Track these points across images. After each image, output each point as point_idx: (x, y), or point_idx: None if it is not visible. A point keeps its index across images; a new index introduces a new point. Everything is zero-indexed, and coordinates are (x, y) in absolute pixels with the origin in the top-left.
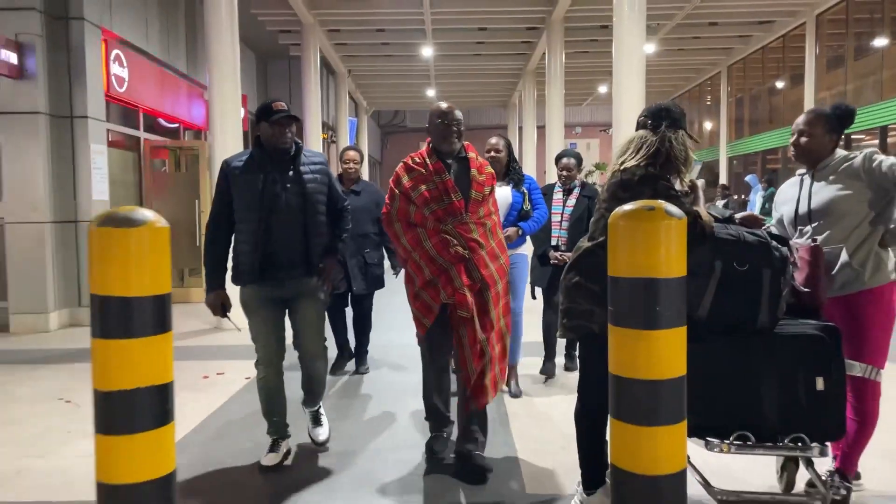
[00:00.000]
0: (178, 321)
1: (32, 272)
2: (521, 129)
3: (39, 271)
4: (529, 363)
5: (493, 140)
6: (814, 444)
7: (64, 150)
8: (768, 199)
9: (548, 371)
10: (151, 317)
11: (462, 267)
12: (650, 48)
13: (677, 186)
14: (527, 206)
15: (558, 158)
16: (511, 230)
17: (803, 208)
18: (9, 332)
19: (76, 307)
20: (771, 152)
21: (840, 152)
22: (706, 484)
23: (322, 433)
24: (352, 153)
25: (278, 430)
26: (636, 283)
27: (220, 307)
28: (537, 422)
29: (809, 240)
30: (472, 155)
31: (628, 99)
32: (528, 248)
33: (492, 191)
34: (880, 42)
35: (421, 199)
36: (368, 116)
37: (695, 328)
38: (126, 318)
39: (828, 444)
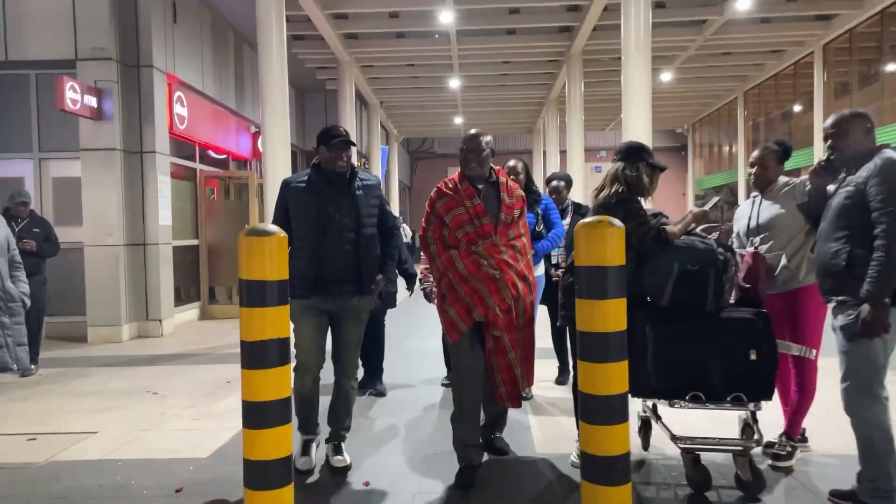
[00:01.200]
0: (232, 334)
1: (107, 289)
2: (545, 153)
3: (113, 289)
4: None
5: (512, 163)
6: (749, 402)
7: (134, 181)
8: None
9: (562, 382)
10: (278, 293)
11: (493, 287)
12: (667, 76)
13: (647, 206)
14: (539, 226)
15: (548, 181)
16: None
17: (753, 223)
18: (87, 342)
19: (144, 321)
20: (786, 174)
21: (782, 179)
22: (672, 436)
23: (340, 460)
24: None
25: (310, 438)
26: (592, 269)
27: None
28: (549, 403)
29: (753, 248)
30: (502, 179)
31: (636, 127)
32: (541, 269)
33: (522, 213)
34: (881, 70)
35: (454, 222)
36: (399, 144)
37: (659, 312)
38: (262, 295)
39: (761, 402)
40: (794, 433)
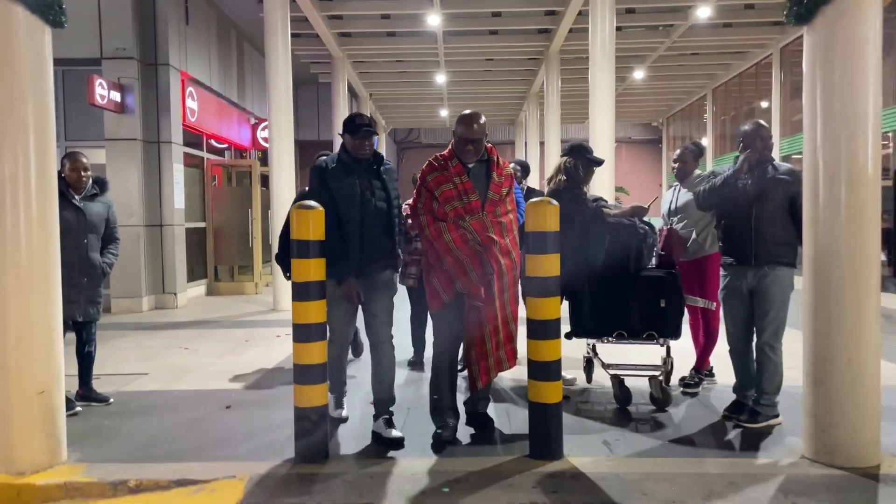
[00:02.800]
0: (240, 306)
1: (129, 265)
2: (526, 144)
3: (135, 264)
4: None
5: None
6: (660, 338)
7: (152, 168)
8: None
9: None
10: (318, 248)
11: (476, 261)
12: (640, 74)
13: (590, 193)
14: None
15: None
16: None
17: (672, 206)
18: (110, 312)
19: (161, 293)
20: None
21: (697, 172)
22: (604, 365)
23: (394, 433)
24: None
25: (340, 396)
26: (536, 234)
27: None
28: None
29: (669, 226)
30: (493, 157)
31: (601, 122)
32: None
33: (510, 191)
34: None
35: (443, 196)
36: (386, 134)
37: (595, 271)
38: (307, 249)
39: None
40: (701, 367)
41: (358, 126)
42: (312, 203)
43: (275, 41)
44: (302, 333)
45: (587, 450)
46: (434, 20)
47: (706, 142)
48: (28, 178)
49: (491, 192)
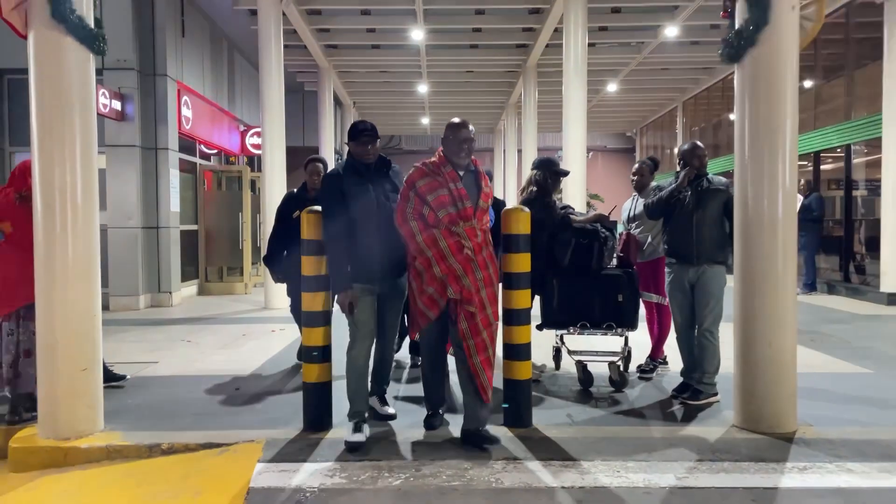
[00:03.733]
0: (232, 305)
1: (126, 265)
2: (504, 151)
3: (132, 264)
4: None
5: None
6: (619, 329)
7: (150, 173)
8: None
9: None
10: (317, 247)
11: (469, 267)
12: (613, 87)
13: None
14: None
15: None
16: None
17: (631, 214)
18: (108, 309)
19: (157, 292)
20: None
21: (653, 183)
22: (569, 351)
23: (387, 409)
24: (320, 166)
25: (361, 410)
26: (511, 236)
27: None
28: None
29: (627, 231)
30: (481, 168)
31: (574, 133)
32: None
33: (488, 205)
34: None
35: (436, 202)
36: None
37: (562, 270)
38: (319, 248)
39: (628, 331)
40: (656, 356)
41: (359, 132)
42: (318, 208)
43: (268, 54)
44: (310, 320)
45: (553, 421)
46: (417, 34)
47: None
48: (75, 185)
49: (481, 202)
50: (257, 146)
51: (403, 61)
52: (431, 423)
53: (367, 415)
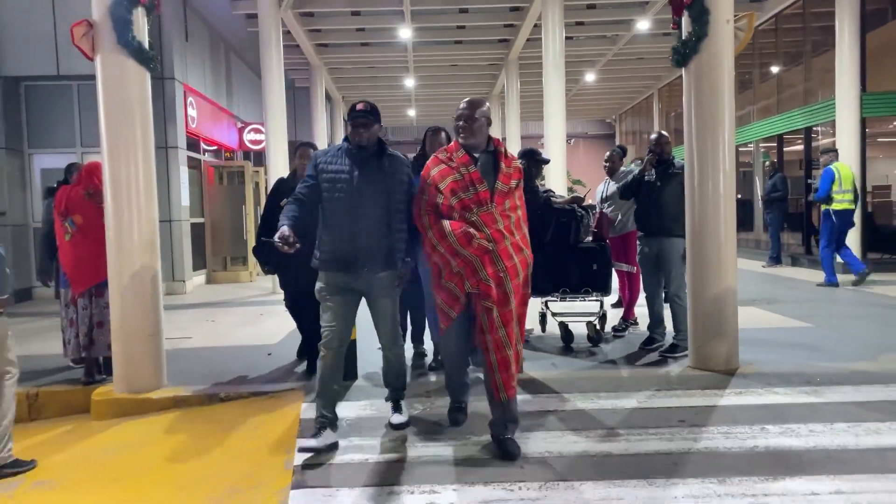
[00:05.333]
0: (242, 291)
1: None
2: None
3: None
4: None
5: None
6: (594, 293)
7: (161, 170)
8: None
9: None
10: None
11: (487, 258)
12: (591, 77)
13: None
14: None
15: None
16: None
17: (603, 195)
18: None
19: (171, 281)
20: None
21: (623, 168)
22: (553, 314)
23: (396, 418)
24: (310, 151)
25: (324, 418)
26: None
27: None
28: None
29: (601, 210)
30: (501, 149)
31: (555, 122)
32: None
33: (518, 185)
34: (754, 77)
35: (448, 189)
36: None
37: (544, 245)
38: None
39: (604, 296)
40: (628, 317)
41: (353, 114)
42: None
43: (269, 55)
44: None
45: (539, 368)
46: (405, 32)
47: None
48: (138, 180)
49: (500, 183)
50: (255, 142)
51: (391, 57)
52: (455, 417)
53: (332, 419)
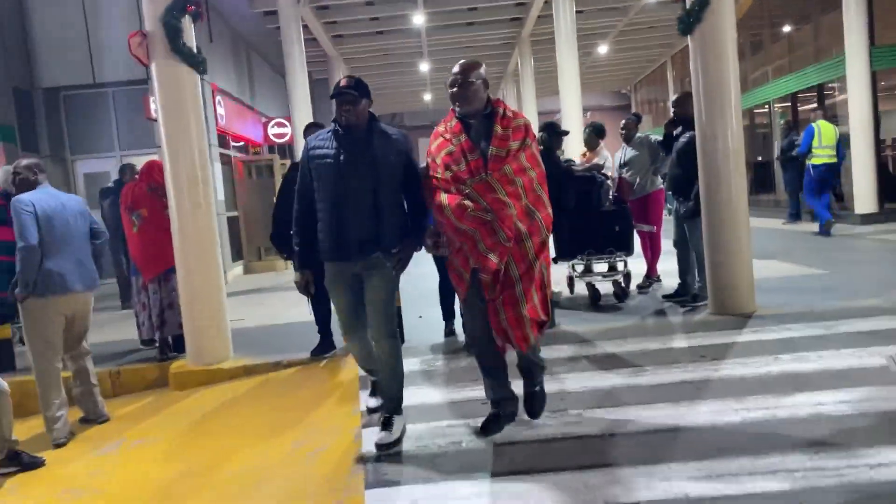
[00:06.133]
0: (280, 278)
1: None
2: None
3: None
4: None
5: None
6: (618, 253)
7: None
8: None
9: None
10: None
11: (486, 230)
12: (604, 49)
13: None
14: None
15: None
16: None
17: (622, 161)
18: None
19: None
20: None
21: (639, 135)
22: (580, 275)
23: (381, 437)
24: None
25: (387, 401)
26: None
27: (305, 287)
28: None
29: (620, 175)
30: (499, 110)
31: (570, 96)
32: None
33: (524, 145)
34: (770, 35)
35: (444, 162)
36: None
37: (569, 212)
38: None
39: (626, 255)
40: (651, 275)
41: (339, 89)
42: None
43: (291, 51)
44: None
45: (569, 323)
46: (419, 19)
47: (669, 105)
48: (195, 174)
49: (493, 148)
50: (279, 135)
51: (406, 43)
52: (488, 427)
53: (397, 406)
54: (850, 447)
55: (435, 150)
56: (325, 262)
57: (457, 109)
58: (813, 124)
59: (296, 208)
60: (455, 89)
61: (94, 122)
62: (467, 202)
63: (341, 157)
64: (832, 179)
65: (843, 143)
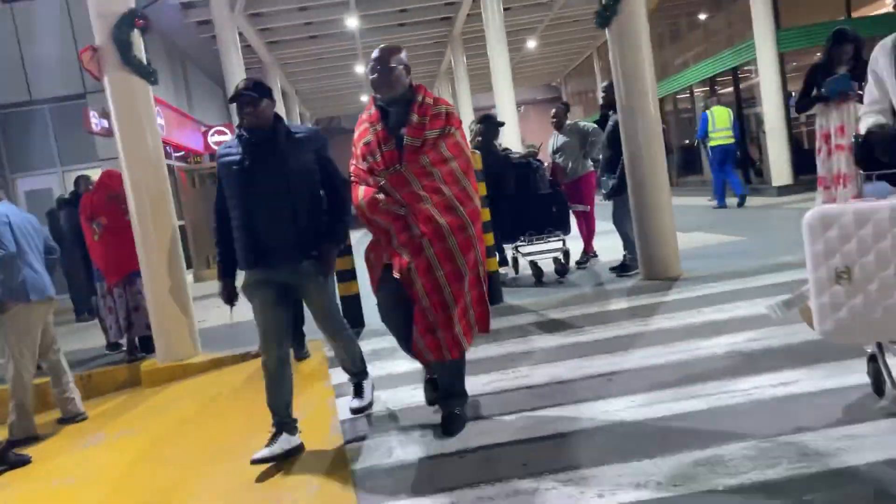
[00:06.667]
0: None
1: None
2: None
3: None
4: None
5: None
6: (556, 232)
7: None
8: None
9: None
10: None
11: (398, 224)
12: (532, 43)
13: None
14: None
15: None
16: None
17: (554, 147)
18: None
19: None
20: None
21: (570, 123)
22: (523, 254)
23: (355, 403)
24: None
25: (279, 422)
26: None
27: (228, 298)
28: None
29: (553, 160)
30: (419, 97)
31: (503, 89)
32: None
33: (444, 133)
34: (687, 23)
35: (361, 152)
36: (311, 123)
37: (508, 196)
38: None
39: (564, 234)
40: (587, 251)
41: (238, 93)
42: None
43: (229, 58)
44: (343, 277)
45: (515, 298)
46: (352, 22)
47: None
48: (149, 182)
49: (408, 138)
50: (220, 143)
51: (340, 47)
52: (430, 395)
53: (288, 426)
54: (757, 372)
55: (356, 138)
56: (244, 271)
57: (377, 96)
58: (707, 111)
59: (213, 219)
60: (375, 76)
61: (32, 139)
62: (380, 195)
63: (246, 163)
64: (730, 158)
65: (743, 124)
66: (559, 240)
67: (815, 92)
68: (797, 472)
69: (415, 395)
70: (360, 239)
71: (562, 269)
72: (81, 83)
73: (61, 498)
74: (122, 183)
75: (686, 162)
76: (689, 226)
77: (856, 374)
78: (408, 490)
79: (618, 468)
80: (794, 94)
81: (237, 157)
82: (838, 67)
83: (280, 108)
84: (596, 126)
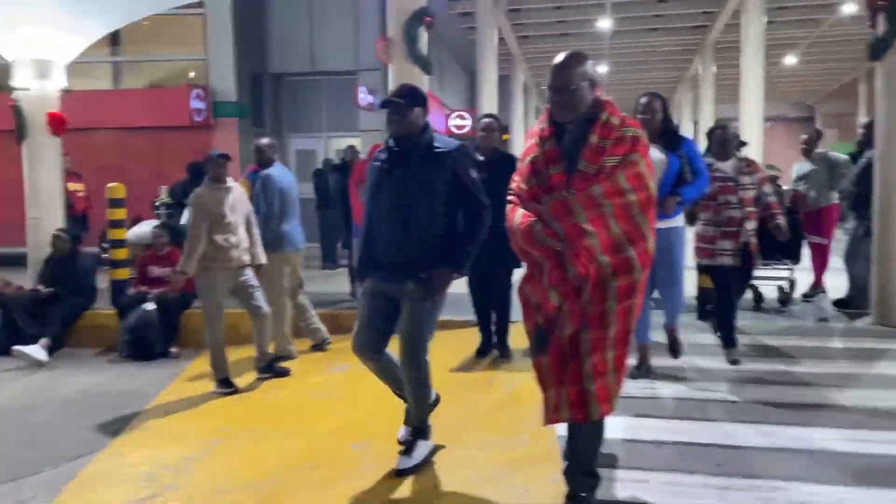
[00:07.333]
0: None
1: None
2: (678, 123)
3: None
4: None
5: (644, 99)
6: (785, 261)
7: None
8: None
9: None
10: None
11: (554, 263)
12: (791, 60)
13: None
14: (686, 175)
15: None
16: (668, 199)
17: (799, 174)
18: None
19: None
20: None
21: (819, 151)
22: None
23: (402, 462)
24: (487, 122)
25: (412, 427)
26: None
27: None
28: None
29: (795, 189)
30: (603, 115)
31: (750, 103)
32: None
33: (625, 163)
34: None
35: (526, 171)
36: None
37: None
38: None
39: None
40: (817, 285)
41: (385, 99)
42: None
43: (484, 49)
44: None
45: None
46: (604, 23)
47: (862, 119)
48: None
49: (583, 163)
50: (459, 126)
51: (587, 46)
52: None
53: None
54: None
55: (522, 153)
56: (370, 278)
57: (554, 117)
58: None
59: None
60: (556, 97)
61: (308, 106)
62: (537, 225)
63: (391, 171)
64: None
65: None
66: (787, 268)
67: None
68: None
69: None
70: None
71: (785, 297)
72: (355, 61)
73: (317, 407)
74: None
75: None
76: None
77: None
78: None
79: (811, 488)
80: None
81: (377, 164)
82: None
83: (518, 103)
84: (848, 158)
